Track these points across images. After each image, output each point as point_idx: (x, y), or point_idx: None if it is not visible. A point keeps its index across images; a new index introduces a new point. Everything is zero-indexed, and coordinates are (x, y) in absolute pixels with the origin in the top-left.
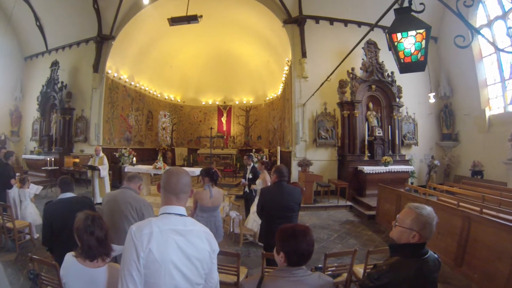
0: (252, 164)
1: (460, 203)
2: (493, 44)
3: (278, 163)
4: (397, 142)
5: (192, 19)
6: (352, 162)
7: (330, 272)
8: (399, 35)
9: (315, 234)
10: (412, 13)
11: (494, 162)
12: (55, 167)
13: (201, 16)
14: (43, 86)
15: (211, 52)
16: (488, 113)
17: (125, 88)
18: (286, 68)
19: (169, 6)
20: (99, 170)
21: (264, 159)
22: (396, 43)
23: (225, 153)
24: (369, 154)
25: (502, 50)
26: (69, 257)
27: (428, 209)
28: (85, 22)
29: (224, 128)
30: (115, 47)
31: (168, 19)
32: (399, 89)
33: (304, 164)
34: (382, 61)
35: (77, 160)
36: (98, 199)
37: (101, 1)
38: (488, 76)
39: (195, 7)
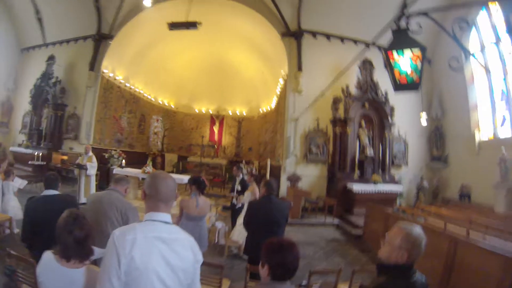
0: (241, 176)
1: (447, 226)
2: (485, 67)
3: (268, 176)
4: (387, 162)
5: (191, 25)
6: (342, 180)
7: None
8: (395, 53)
9: (300, 250)
10: (409, 34)
11: (482, 185)
12: (42, 163)
13: (200, 23)
14: (37, 79)
15: (208, 59)
16: (478, 137)
17: (120, 89)
18: (281, 81)
19: (170, 11)
20: (86, 168)
21: (253, 171)
22: (392, 62)
23: (215, 163)
24: (359, 173)
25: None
26: (47, 255)
27: (418, 229)
28: (85, 19)
29: (216, 138)
30: (113, 46)
31: (167, 23)
32: (392, 108)
33: (294, 179)
34: (377, 80)
35: (65, 158)
36: (83, 199)
37: None
38: (479, 100)
39: (195, 14)
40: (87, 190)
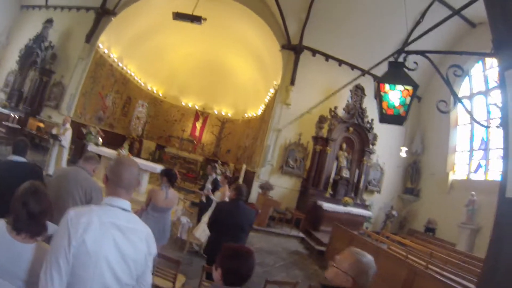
0: (214, 176)
1: (409, 256)
2: (470, 114)
3: (241, 181)
4: (361, 186)
5: (195, 19)
6: (313, 196)
7: None
8: (387, 86)
9: (261, 258)
10: (404, 69)
11: (448, 223)
12: (17, 126)
13: (205, 19)
14: (30, 40)
15: (204, 56)
16: (451, 177)
17: (112, 67)
18: (272, 90)
19: (177, 1)
20: (60, 140)
21: (227, 173)
22: (382, 93)
23: (191, 158)
24: (331, 192)
25: (477, 122)
26: (0, 224)
27: (369, 257)
28: None
29: (197, 134)
30: (114, 24)
31: (173, 12)
32: (375, 137)
33: (266, 187)
34: (365, 107)
35: (41, 125)
36: (51, 171)
37: None
38: (458, 143)
39: (202, 9)
40: (58, 162)
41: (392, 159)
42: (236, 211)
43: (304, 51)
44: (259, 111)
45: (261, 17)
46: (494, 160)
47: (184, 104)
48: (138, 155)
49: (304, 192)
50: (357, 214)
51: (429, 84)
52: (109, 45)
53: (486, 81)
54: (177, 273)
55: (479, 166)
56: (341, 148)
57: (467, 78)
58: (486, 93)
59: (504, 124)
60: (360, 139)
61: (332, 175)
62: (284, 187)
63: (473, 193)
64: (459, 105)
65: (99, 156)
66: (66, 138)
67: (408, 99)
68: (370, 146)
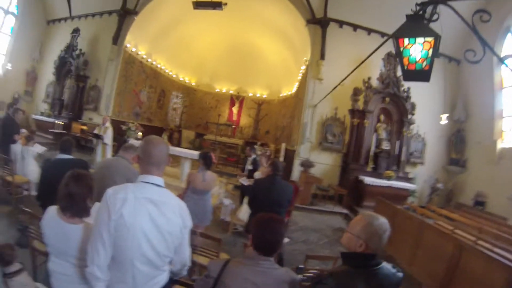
0: (253, 156)
1: (456, 230)
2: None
3: (282, 160)
4: (402, 159)
5: (216, 5)
6: (355, 171)
7: (310, 274)
8: (406, 40)
9: (305, 235)
10: (425, 21)
11: (498, 195)
12: (63, 131)
13: (225, 4)
14: (61, 51)
15: (231, 40)
16: (499, 145)
17: (141, 64)
18: (303, 67)
19: None
20: (102, 139)
21: (267, 153)
22: (402, 49)
23: (231, 142)
24: (372, 166)
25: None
26: (51, 209)
27: (381, 220)
28: None
29: (234, 118)
30: (137, 22)
31: (192, 2)
32: (413, 106)
33: (307, 165)
34: (400, 75)
35: (84, 127)
36: None
37: None
38: (505, 108)
39: None
40: (103, 159)
41: (433, 129)
42: (272, 187)
43: (330, 24)
44: (293, 89)
45: None
46: None
47: (217, 90)
48: (178, 144)
49: (345, 167)
50: (400, 187)
51: (468, 45)
52: (136, 43)
53: None
54: (219, 251)
55: None
56: (379, 120)
57: (509, 35)
58: None
59: None
60: (397, 109)
61: (372, 148)
62: (325, 163)
63: None
64: (502, 66)
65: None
66: (108, 136)
67: (431, 51)
68: (409, 116)
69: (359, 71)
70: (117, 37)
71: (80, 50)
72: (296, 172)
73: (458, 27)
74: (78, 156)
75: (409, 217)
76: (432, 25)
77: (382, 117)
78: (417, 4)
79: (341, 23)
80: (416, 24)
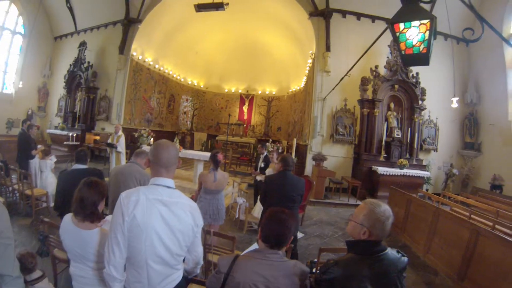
0: (265, 153)
1: (472, 216)
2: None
3: (293, 155)
4: (415, 146)
5: (218, 6)
6: (367, 162)
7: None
8: (401, 25)
9: (320, 229)
10: (420, 4)
11: None
12: (77, 143)
13: (227, 4)
14: (70, 65)
15: (237, 40)
16: None
17: (149, 70)
18: (310, 61)
19: None
20: (116, 147)
21: (280, 150)
22: (398, 34)
23: (243, 142)
24: (385, 155)
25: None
26: (67, 217)
27: (383, 207)
28: (114, 5)
29: (245, 117)
30: (141, 30)
31: (194, 5)
32: (423, 91)
33: (319, 159)
34: None
35: (97, 137)
36: None
37: None
38: None
39: None
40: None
41: (445, 113)
42: (284, 182)
43: (333, 15)
44: (302, 84)
45: None
46: None
47: (227, 91)
48: (191, 147)
49: (358, 158)
50: (414, 175)
51: (476, 25)
52: (142, 50)
53: None
54: (234, 249)
55: None
56: (389, 108)
57: None
58: None
59: None
60: (407, 96)
61: (384, 137)
62: (337, 156)
63: None
64: None
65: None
66: (121, 144)
67: (427, 33)
68: (419, 102)
69: (366, 60)
70: (123, 47)
71: (88, 62)
72: (309, 166)
73: (464, 7)
74: (93, 166)
75: (424, 205)
76: (437, 7)
77: (392, 105)
78: None
79: (344, 13)
80: (411, 8)
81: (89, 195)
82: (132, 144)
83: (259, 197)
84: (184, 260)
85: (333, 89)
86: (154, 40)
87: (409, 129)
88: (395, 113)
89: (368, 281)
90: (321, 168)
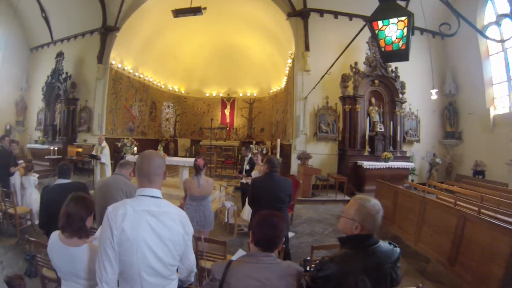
0: (249, 155)
1: (458, 202)
2: (495, 39)
3: (278, 155)
4: (398, 139)
5: (196, 11)
6: (352, 157)
7: None
8: (380, 23)
9: (310, 227)
10: (397, 1)
11: (496, 162)
12: (59, 156)
13: (205, 8)
14: (48, 76)
15: (216, 44)
16: (492, 113)
17: (129, 79)
18: (289, 61)
19: None
20: (99, 159)
21: (264, 151)
22: (377, 31)
23: (227, 145)
24: (369, 150)
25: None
26: (54, 235)
27: (373, 201)
28: (90, 13)
29: (228, 120)
30: (120, 38)
31: (172, 10)
32: (403, 85)
33: (304, 157)
34: None
35: (80, 150)
36: None
37: None
38: (494, 75)
39: None
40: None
41: (425, 105)
42: (271, 184)
43: (310, 14)
44: (283, 84)
45: None
46: None
47: (208, 95)
48: (175, 154)
49: (342, 154)
50: (399, 167)
51: (450, 19)
52: (121, 59)
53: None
54: (226, 254)
55: None
56: (370, 103)
57: (490, 4)
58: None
59: None
60: (388, 90)
61: (367, 132)
62: (322, 154)
63: None
64: (488, 33)
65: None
66: (105, 155)
67: (405, 30)
68: (400, 95)
69: (346, 57)
70: (102, 56)
71: (67, 73)
72: (294, 166)
73: (439, 2)
74: (78, 179)
75: (410, 196)
76: (412, 3)
77: (373, 100)
78: None
79: (321, 12)
80: (388, 5)
81: (76, 210)
82: (116, 154)
83: (247, 199)
84: (177, 269)
85: (314, 88)
86: (133, 47)
87: (391, 122)
88: (376, 108)
89: (364, 274)
90: (307, 166)
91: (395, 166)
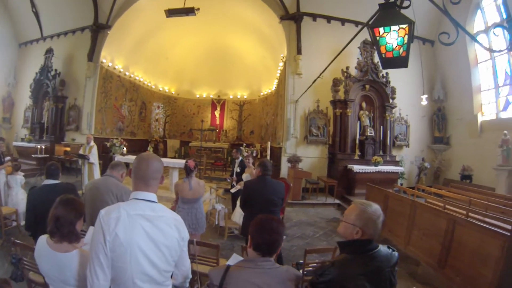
0: (240, 158)
1: (447, 206)
2: (487, 47)
3: (268, 158)
4: (388, 143)
5: (189, 11)
6: (342, 161)
7: (311, 268)
8: (381, 29)
9: (301, 230)
10: (398, 8)
11: (483, 167)
12: (46, 155)
13: (198, 9)
14: (36, 73)
15: (208, 45)
16: (480, 119)
17: (120, 78)
18: (281, 64)
19: None
20: (88, 158)
21: (254, 154)
22: (378, 38)
23: (216, 147)
24: (359, 153)
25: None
26: (42, 239)
27: (374, 206)
28: (82, 10)
29: (217, 122)
30: (111, 36)
31: (164, 10)
32: (393, 90)
33: (294, 160)
34: (377, 61)
35: (68, 149)
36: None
37: None
38: (482, 82)
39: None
40: (91, 179)
41: (415, 110)
42: (264, 187)
43: (303, 18)
44: (274, 87)
45: None
46: None
47: (198, 96)
48: (164, 155)
49: (333, 158)
50: (389, 171)
51: (440, 25)
52: (112, 57)
53: (500, 11)
54: (219, 257)
55: (507, 102)
56: (361, 108)
57: (479, 12)
58: (502, 24)
59: None
60: (378, 95)
61: (357, 136)
62: (312, 157)
63: (506, 132)
64: (475, 42)
65: (127, 164)
66: (93, 155)
67: (406, 37)
68: (390, 100)
69: (337, 61)
70: (92, 53)
71: (56, 70)
72: (284, 168)
73: (429, 9)
74: (66, 179)
75: (400, 199)
76: (403, 10)
77: (364, 105)
78: None
79: (314, 16)
80: (389, 12)
81: (65, 213)
82: (105, 155)
83: (238, 202)
84: (172, 275)
85: (305, 91)
86: (124, 46)
87: (382, 127)
88: (367, 112)
89: (365, 279)
90: (297, 169)
91: (385, 170)
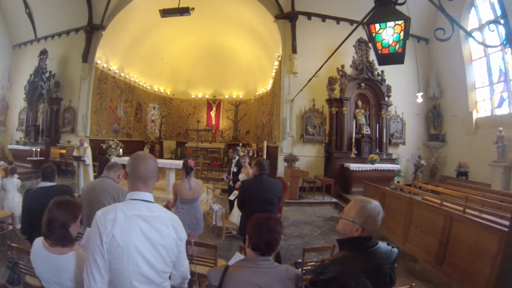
0: (237, 158)
1: (444, 203)
2: (480, 42)
3: (265, 157)
4: (384, 141)
5: (184, 11)
6: (339, 159)
7: (309, 267)
8: (377, 26)
9: (298, 229)
10: (393, 5)
11: (479, 163)
12: (41, 158)
13: (193, 9)
14: (30, 75)
15: (203, 45)
16: (475, 116)
17: (115, 79)
18: (276, 63)
19: None
20: (84, 160)
21: (250, 154)
22: (374, 34)
23: (213, 147)
24: (356, 152)
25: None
26: (38, 241)
27: (374, 203)
28: (76, 11)
29: (213, 122)
30: (106, 37)
31: (159, 10)
32: (388, 88)
33: (290, 160)
34: (373, 60)
35: (63, 151)
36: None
37: None
38: (477, 79)
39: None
40: (86, 180)
41: (410, 108)
42: (261, 186)
43: (298, 17)
44: (269, 86)
45: None
46: None
47: (194, 97)
48: (160, 156)
49: (329, 157)
50: (385, 169)
51: (434, 23)
52: (107, 58)
53: (494, 8)
54: (217, 258)
55: (502, 99)
56: (357, 106)
57: (473, 9)
58: (495, 21)
59: None
60: (374, 93)
61: (353, 135)
62: (308, 156)
63: (501, 128)
64: (470, 39)
65: (124, 165)
66: (88, 156)
67: (402, 34)
68: (386, 98)
69: (332, 60)
70: (87, 55)
71: (50, 72)
72: (281, 168)
73: (424, 7)
74: (61, 181)
75: (397, 197)
76: (398, 7)
77: (359, 103)
78: None
79: (309, 15)
80: (385, 9)
81: (58, 216)
82: (101, 156)
83: (236, 202)
84: (170, 276)
85: (301, 90)
86: (119, 47)
87: (377, 125)
88: (363, 111)
89: (365, 276)
90: (294, 168)
91: (382, 168)
